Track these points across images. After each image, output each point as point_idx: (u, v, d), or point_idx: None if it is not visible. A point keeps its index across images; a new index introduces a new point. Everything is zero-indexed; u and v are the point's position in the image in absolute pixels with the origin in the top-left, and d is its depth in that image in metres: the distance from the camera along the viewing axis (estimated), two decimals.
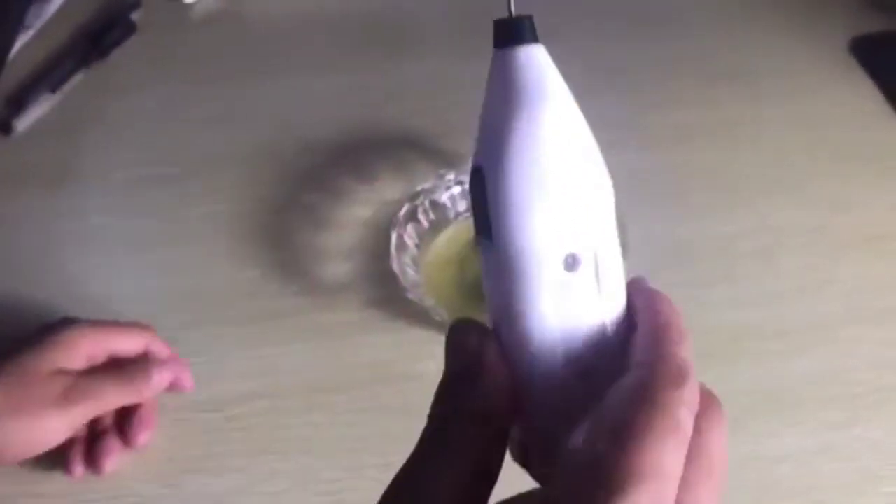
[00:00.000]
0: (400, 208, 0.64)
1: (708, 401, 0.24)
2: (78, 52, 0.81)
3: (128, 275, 0.66)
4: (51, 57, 0.81)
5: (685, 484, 0.22)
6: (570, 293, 0.24)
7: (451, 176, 0.65)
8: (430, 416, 0.25)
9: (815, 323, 0.59)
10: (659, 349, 0.24)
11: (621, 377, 0.24)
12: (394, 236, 0.62)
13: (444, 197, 0.65)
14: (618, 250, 0.25)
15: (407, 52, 0.80)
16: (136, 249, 0.67)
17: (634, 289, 0.26)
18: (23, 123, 0.75)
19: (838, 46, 0.76)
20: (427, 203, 0.64)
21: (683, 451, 0.22)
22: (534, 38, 0.25)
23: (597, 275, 0.24)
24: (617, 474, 0.21)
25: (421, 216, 0.64)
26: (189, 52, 0.81)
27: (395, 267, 0.60)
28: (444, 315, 0.56)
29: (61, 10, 0.86)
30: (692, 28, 0.79)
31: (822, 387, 0.56)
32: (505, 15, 0.25)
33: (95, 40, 0.81)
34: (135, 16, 0.84)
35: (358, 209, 0.68)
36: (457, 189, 0.65)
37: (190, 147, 0.73)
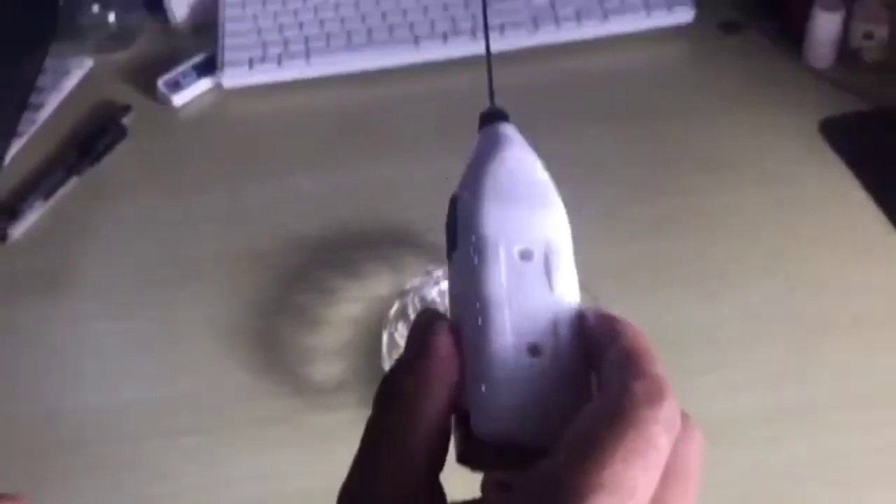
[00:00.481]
0: (390, 305, 0.65)
1: (683, 419, 0.24)
2: (70, 159, 0.82)
3: (121, 380, 0.66)
4: (43, 164, 0.83)
5: (665, 495, 0.22)
6: (521, 276, 0.27)
7: (438, 272, 0.66)
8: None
9: (803, 408, 0.60)
10: (631, 368, 0.24)
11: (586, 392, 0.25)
12: (385, 336, 0.63)
13: (433, 293, 0.66)
14: (570, 259, 0.28)
15: (389, 148, 0.82)
16: (130, 355, 0.68)
17: (597, 315, 0.27)
18: (17, 231, 0.77)
19: (808, 129, 0.79)
20: (416, 300, 0.65)
21: (656, 471, 0.22)
22: (507, 119, 0.32)
23: (547, 269, 0.27)
24: (579, 486, 0.21)
25: (411, 314, 0.65)
26: (178, 155, 0.83)
27: (388, 367, 0.61)
28: None
29: (53, 117, 0.88)
30: (665, 119, 0.81)
31: (816, 473, 0.57)
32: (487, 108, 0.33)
33: (87, 146, 0.83)
34: (125, 120, 0.86)
35: (348, 307, 0.69)
36: (445, 285, 0.66)
37: (180, 251, 0.74)
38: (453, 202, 0.30)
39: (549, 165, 0.81)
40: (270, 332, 0.68)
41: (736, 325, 0.65)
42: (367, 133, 0.84)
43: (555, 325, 0.26)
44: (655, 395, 0.23)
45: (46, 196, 0.79)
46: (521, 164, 0.30)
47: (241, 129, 0.86)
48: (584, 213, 0.74)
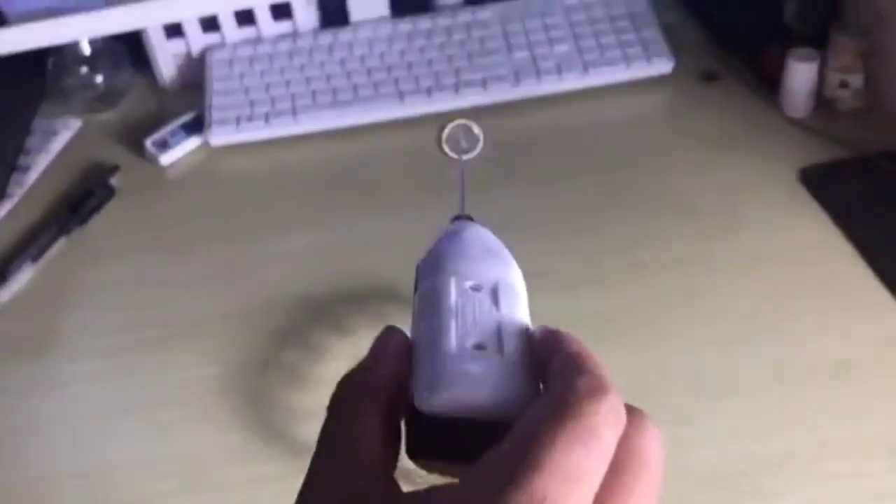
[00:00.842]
0: None
1: (635, 413, 0.25)
2: (59, 220, 0.83)
3: (111, 443, 0.66)
4: (32, 226, 0.83)
5: (615, 483, 0.23)
6: (469, 298, 0.29)
7: None
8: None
9: (788, 459, 0.60)
10: (574, 368, 0.25)
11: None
12: None
13: None
14: (519, 294, 0.31)
15: (376, 203, 0.82)
16: (119, 417, 0.68)
17: (543, 330, 0.28)
18: (5, 295, 0.77)
19: (788, 177, 0.80)
20: None
21: (600, 460, 0.23)
22: (471, 220, 0.36)
23: (494, 296, 0.29)
24: (518, 471, 0.22)
25: None
26: (167, 214, 0.84)
27: None
28: (427, 476, 0.56)
29: (41, 179, 0.88)
30: (645, 169, 0.82)
31: None
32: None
33: (75, 207, 0.84)
34: (113, 180, 0.87)
35: (338, 364, 0.68)
36: None
37: (169, 311, 0.75)
38: (418, 268, 0.33)
39: (530, 216, 0.83)
40: (262, 391, 0.68)
41: (717, 374, 0.65)
42: (353, 188, 0.85)
43: (500, 333, 0.28)
44: (597, 389, 0.24)
45: (35, 258, 0.79)
46: (477, 233, 0.33)
47: (228, 187, 0.87)
48: (564, 263, 0.76)
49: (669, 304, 0.70)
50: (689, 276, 0.72)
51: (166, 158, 0.88)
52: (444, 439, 0.27)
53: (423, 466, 0.28)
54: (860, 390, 0.63)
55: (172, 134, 0.89)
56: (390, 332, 0.29)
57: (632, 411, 0.25)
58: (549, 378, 0.26)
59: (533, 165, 0.84)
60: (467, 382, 0.26)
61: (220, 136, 0.88)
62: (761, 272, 0.72)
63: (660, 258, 0.74)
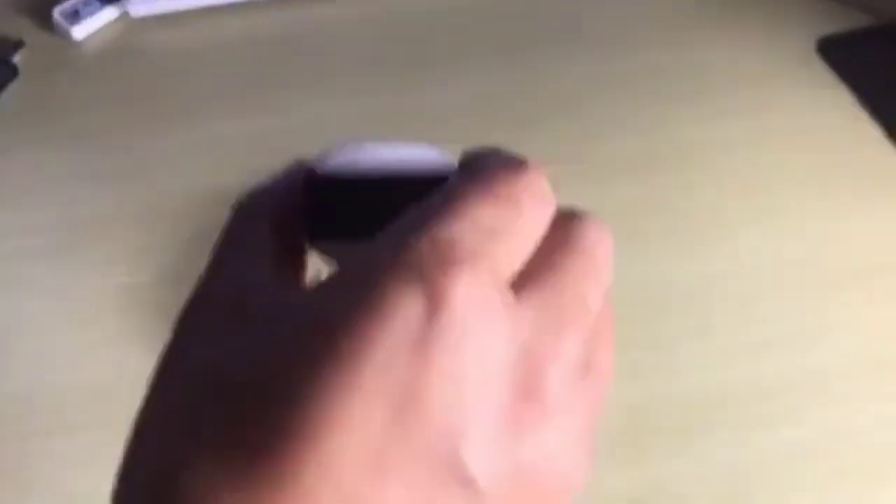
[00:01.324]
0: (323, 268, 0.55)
1: (577, 210, 0.23)
2: None
3: (4, 369, 0.56)
4: None
5: (544, 265, 0.21)
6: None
7: None
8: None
9: (807, 379, 0.51)
10: (497, 154, 0.23)
11: None
12: None
13: None
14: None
15: (324, 82, 0.71)
16: (15, 338, 0.58)
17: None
18: None
19: (804, 48, 0.69)
20: None
21: (519, 223, 0.21)
22: None
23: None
24: (425, 222, 0.20)
25: None
26: (78, 98, 0.72)
27: None
28: None
29: None
30: (634, 40, 0.71)
31: (824, 457, 0.48)
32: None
33: None
34: (16, 58, 0.75)
35: None
36: None
37: (79, 210, 0.64)
38: None
39: (501, 94, 0.69)
40: None
41: (725, 280, 0.56)
42: (300, 65, 0.73)
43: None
44: (519, 164, 0.22)
45: None
46: None
47: (151, 65, 0.75)
48: (544, 151, 0.65)
49: (668, 199, 0.61)
50: (690, 166, 0.62)
51: (79, 32, 0.76)
52: (350, 208, 0.25)
53: (329, 254, 0.26)
54: (892, 298, 0.54)
55: (86, 3, 0.78)
56: (301, 160, 0.27)
57: (574, 209, 0.23)
58: (468, 165, 0.24)
59: (500, 35, 0.72)
60: (374, 142, 0.26)
61: (140, 4, 0.76)
62: (774, 159, 0.62)
63: (656, 145, 0.64)
